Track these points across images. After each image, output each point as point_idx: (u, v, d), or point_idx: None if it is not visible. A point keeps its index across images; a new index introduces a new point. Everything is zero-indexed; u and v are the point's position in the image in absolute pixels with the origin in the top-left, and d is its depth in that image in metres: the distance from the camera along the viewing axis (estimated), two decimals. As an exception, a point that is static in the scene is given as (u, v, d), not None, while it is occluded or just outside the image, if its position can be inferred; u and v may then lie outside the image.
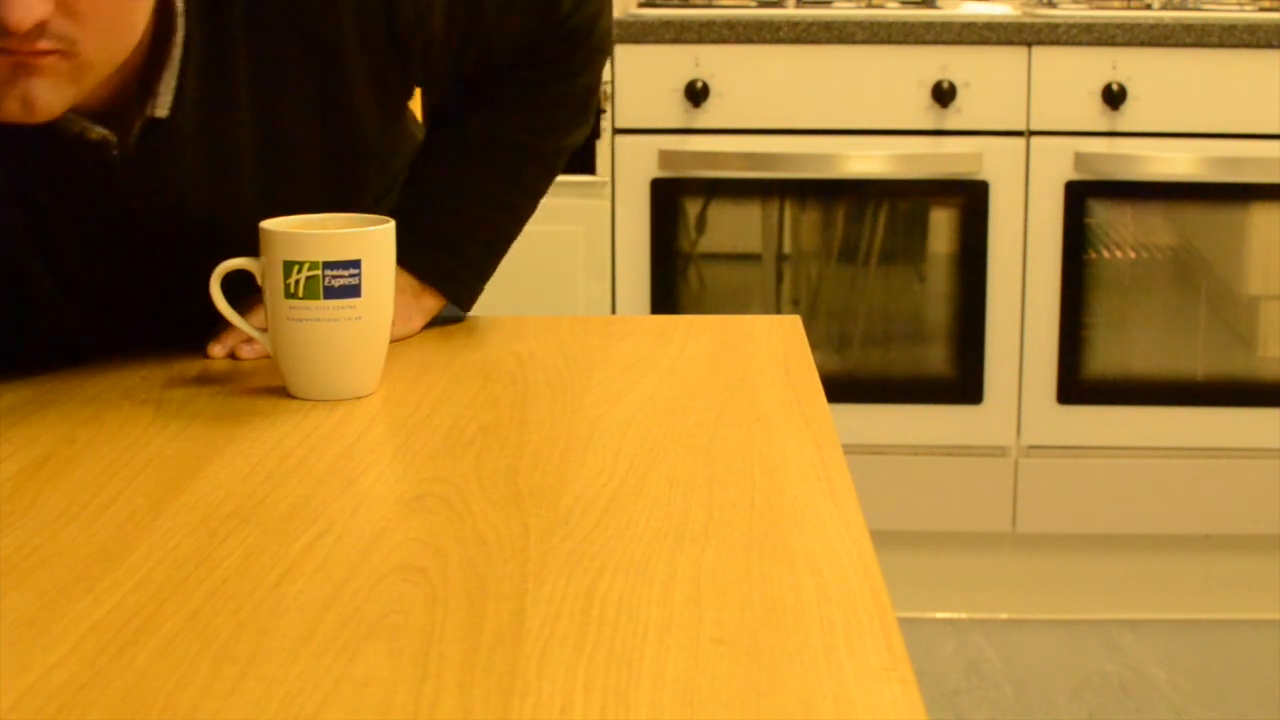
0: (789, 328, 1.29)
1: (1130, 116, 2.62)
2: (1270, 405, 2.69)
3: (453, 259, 1.32)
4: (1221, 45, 2.59)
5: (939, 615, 2.78)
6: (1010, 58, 2.62)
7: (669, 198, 2.69)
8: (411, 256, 1.25)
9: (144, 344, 1.27)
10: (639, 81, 2.65)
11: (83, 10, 1.00)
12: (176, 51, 1.14)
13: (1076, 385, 2.70)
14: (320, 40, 1.22)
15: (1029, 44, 2.61)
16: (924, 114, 2.64)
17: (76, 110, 1.13)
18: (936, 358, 2.75)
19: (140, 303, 1.28)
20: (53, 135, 1.14)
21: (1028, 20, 2.63)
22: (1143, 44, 2.60)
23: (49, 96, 1.03)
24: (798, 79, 2.65)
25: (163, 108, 1.16)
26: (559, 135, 1.37)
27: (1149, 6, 2.82)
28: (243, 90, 1.22)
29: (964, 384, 2.71)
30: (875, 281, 2.76)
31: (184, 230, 1.25)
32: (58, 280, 1.26)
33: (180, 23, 1.14)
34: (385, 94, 1.27)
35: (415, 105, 1.51)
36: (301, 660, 0.68)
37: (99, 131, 1.15)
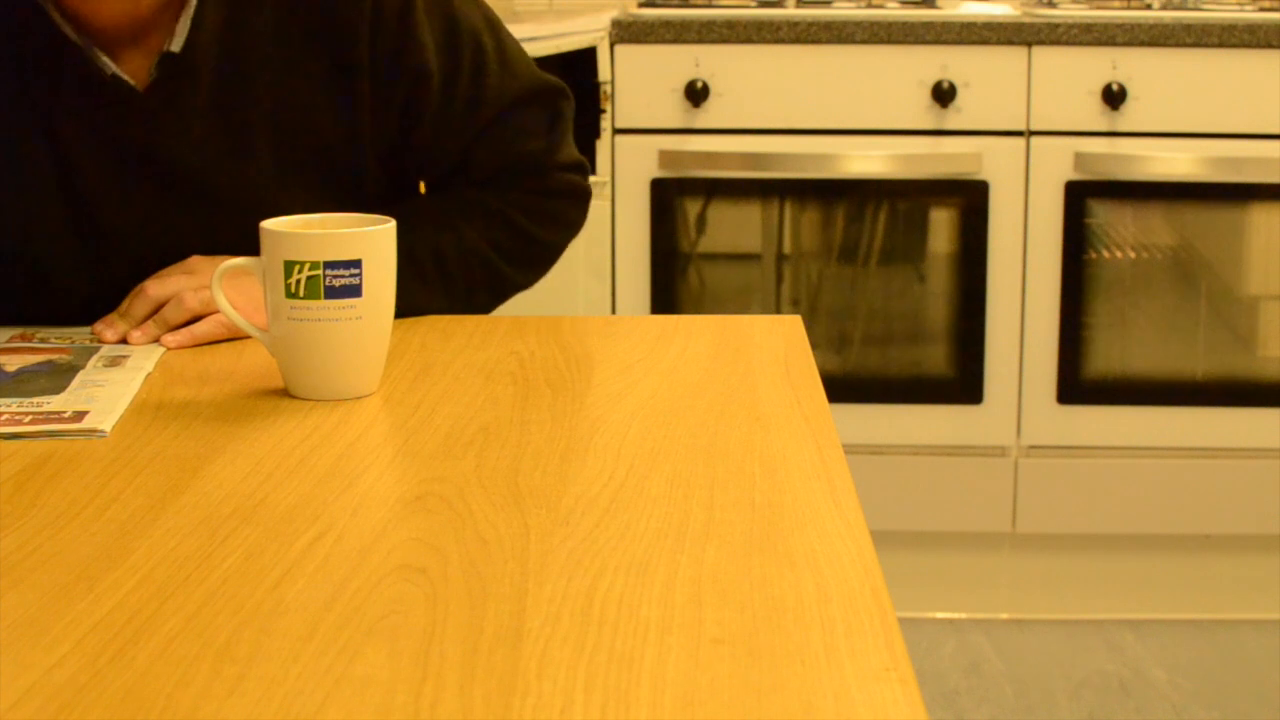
0: (789, 328, 1.29)
1: (1130, 116, 2.62)
2: (1270, 405, 2.69)
3: None
4: (1221, 45, 2.59)
5: (939, 615, 2.78)
6: (1010, 58, 2.62)
7: (669, 198, 2.69)
8: None
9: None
10: (639, 81, 2.65)
11: None
12: None
13: (1076, 385, 2.70)
14: (336, 32, 1.31)
15: (1029, 44, 2.61)
16: (924, 114, 2.64)
17: (101, 48, 1.25)
18: (936, 358, 2.75)
19: (151, 262, 1.30)
20: (75, 70, 1.25)
21: (1028, 20, 2.63)
22: (1143, 44, 2.60)
23: None
24: (798, 79, 2.65)
25: (178, 43, 1.26)
26: (516, 243, 1.41)
27: (1149, 6, 2.82)
28: (261, 41, 1.30)
29: (964, 384, 2.71)
30: (875, 281, 2.76)
31: (198, 188, 1.31)
32: (75, 227, 1.31)
33: None
34: (379, 124, 1.34)
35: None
36: (302, 660, 0.68)
37: (115, 68, 1.25)
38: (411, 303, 1.30)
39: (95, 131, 1.28)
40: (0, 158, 1.29)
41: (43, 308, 1.32)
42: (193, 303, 1.25)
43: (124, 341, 1.24)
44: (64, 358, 1.19)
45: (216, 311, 1.23)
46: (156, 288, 1.25)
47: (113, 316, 1.26)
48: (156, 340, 1.24)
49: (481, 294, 1.40)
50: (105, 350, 1.22)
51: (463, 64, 1.36)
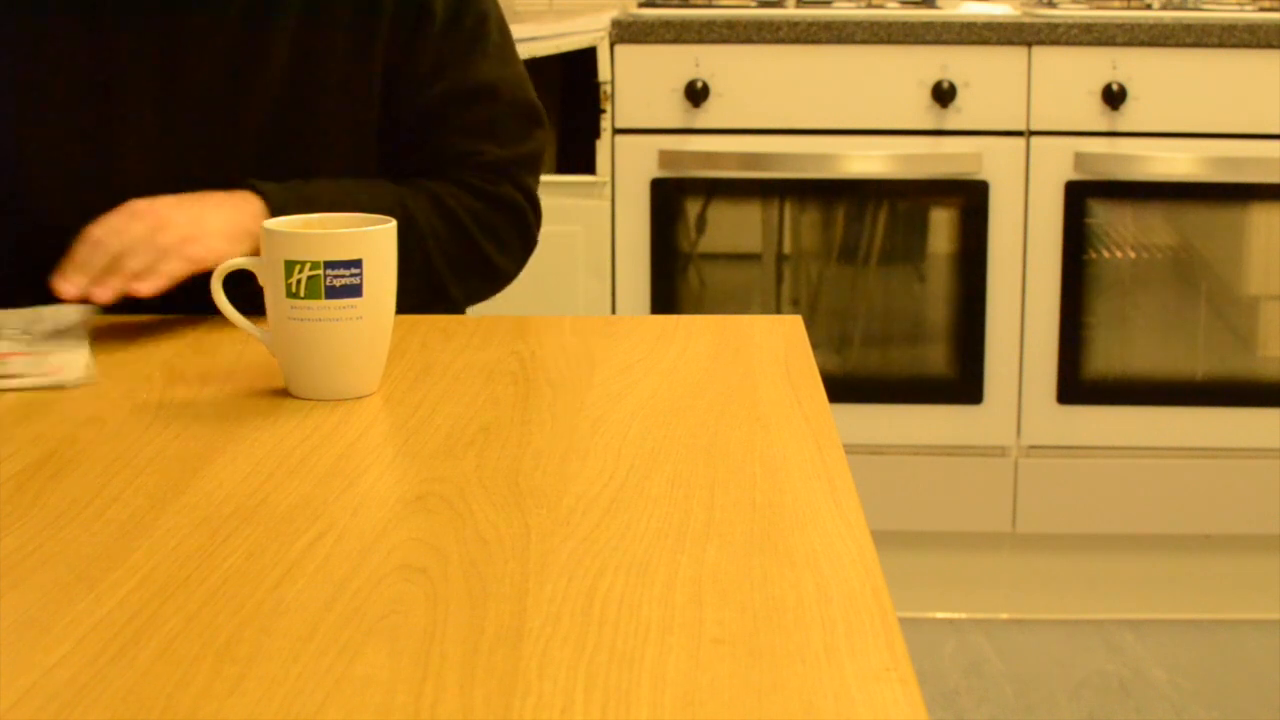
0: (790, 328, 1.29)
1: (1130, 116, 2.62)
2: (1270, 405, 2.69)
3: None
4: (1221, 45, 2.59)
5: (939, 615, 2.78)
6: (1010, 58, 2.62)
7: (669, 198, 2.69)
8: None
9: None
10: (639, 81, 2.65)
11: None
12: None
13: (1076, 385, 2.70)
14: None
15: (1029, 44, 2.61)
16: (924, 114, 2.64)
17: None
18: (936, 358, 2.75)
19: (156, 184, 1.32)
20: None
21: (1028, 20, 2.63)
22: (1143, 44, 2.60)
23: None
24: (798, 79, 2.64)
25: None
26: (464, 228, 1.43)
27: (1149, 6, 2.82)
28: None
29: (964, 384, 2.71)
30: (875, 281, 2.76)
31: (213, 99, 1.35)
32: (94, 132, 1.36)
33: None
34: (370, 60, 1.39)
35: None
36: (302, 660, 0.68)
37: None
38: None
39: (136, 25, 1.33)
40: (39, 50, 1.34)
41: (30, 223, 1.34)
42: (163, 246, 1.22)
43: (84, 301, 1.21)
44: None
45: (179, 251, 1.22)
46: (112, 239, 1.22)
47: (67, 268, 1.22)
48: (124, 294, 1.21)
49: (413, 278, 1.40)
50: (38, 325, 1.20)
51: (464, 19, 1.42)
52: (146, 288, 1.21)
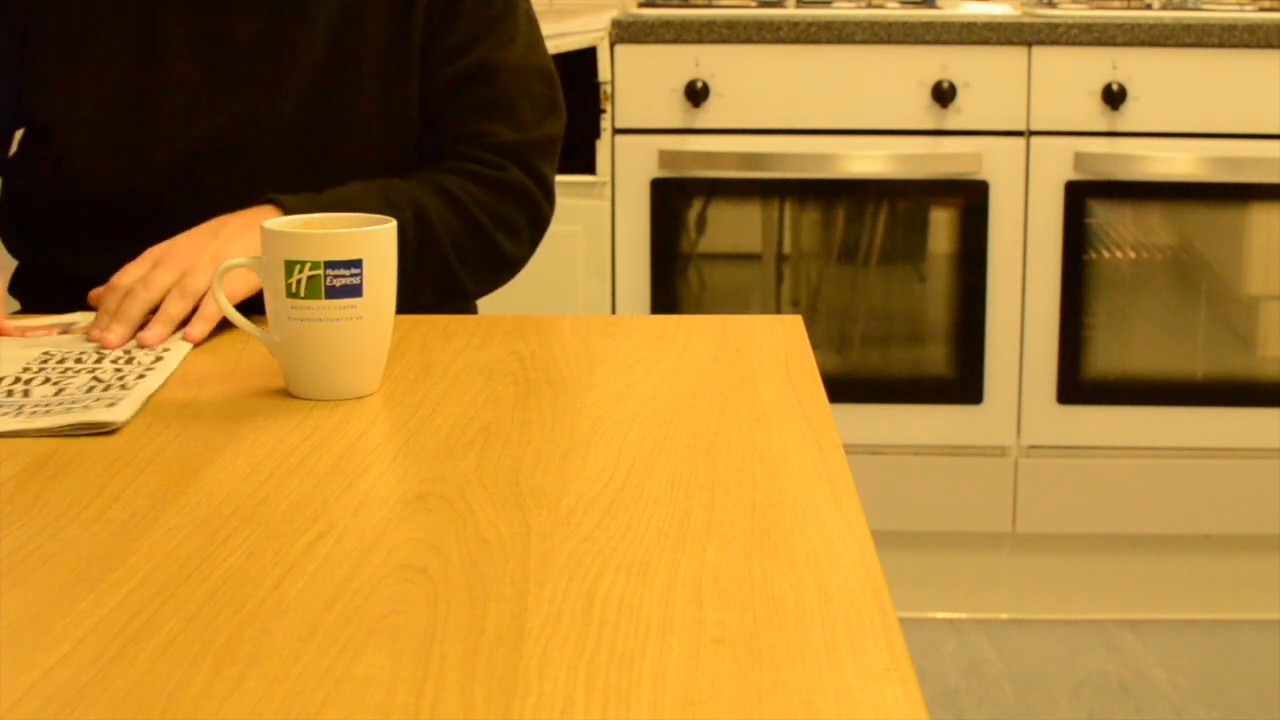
0: (790, 328, 1.29)
1: (1130, 116, 2.62)
2: (1270, 405, 2.69)
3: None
4: (1221, 45, 2.59)
5: (939, 615, 2.78)
6: (1010, 58, 2.62)
7: (669, 198, 2.69)
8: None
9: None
10: (639, 81, 2.65)
11: None
12: None
13: (1076, 385, 2.70)
14: None
15: (1029, 44, 2.61)
16: (924, 114, 2.64)
17: None
18: (936, 358, 2.75)
19: (190, 156, 1.37)
20: None
21: (1028, 20, 2.63)
22: (1143, 44, 2.60)
23: None
24: (798, 79, 2.64)
25: None
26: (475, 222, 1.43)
27: (1149, 6, 2.82)
28: None
29: (964, 384, 2.71)
30: (875, 281, 2.76)
31: (256, 58, 1.38)
32: (139, 98, 1.38)
33: None
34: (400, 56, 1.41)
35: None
36: (303, 660, 0.68)
37: None
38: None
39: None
40: (86, 10, 1.38)
41: (61, 199, 1.36)
42: (194, 290, 1.24)
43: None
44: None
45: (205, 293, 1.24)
46: (142, 290, 1.23)
47: (104, 319, 1.23)
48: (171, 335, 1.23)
49: (431, 278, 1.40)
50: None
51: (494, 5, 1.44)
52: (197, 333, 1.22)
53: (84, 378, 1.13)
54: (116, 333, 1.22)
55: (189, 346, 1.21)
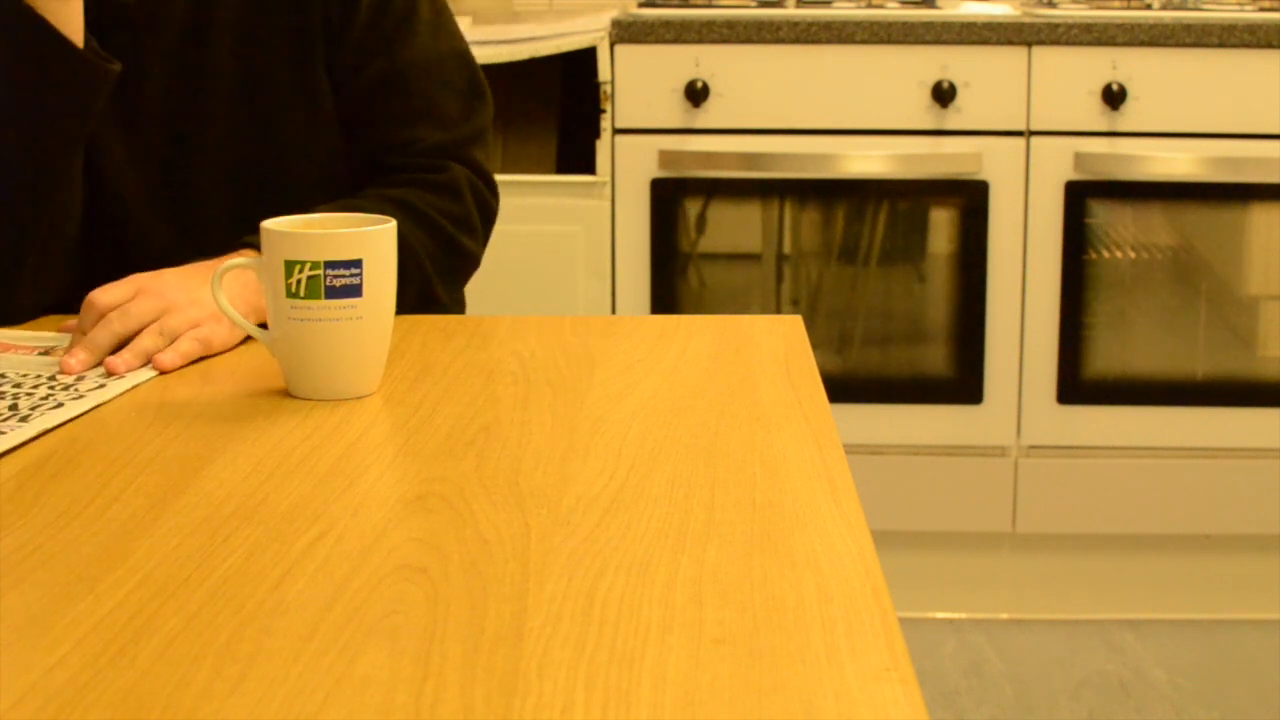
0: (790, 328, 1.29)
1: (1130, 116, 2.62)
2: (1270, 405, 2.69)
3: None
4: (1221, 45, 2.59)
5: (939, 615, 2.78)
6: (1010, 58, 2.62)
7: (669, 198, 2.69)
8: None
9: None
10: (639, 81, 2.65)
11: None
12: None
13: (1076, 385, 2.70)
14: None
15: (1029, 44, 2.61)
16: (924, 114, 2.64)
17: None
18: (936, 358, 2.75)
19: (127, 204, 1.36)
20: None
21: (1028, 20, 2.63)
22: (1143, 44, 2.60)
23: None
24: (798, 79, 2.64)
25: None
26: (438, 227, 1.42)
27: (1149, 6, 2.82)
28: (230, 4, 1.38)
29: (964, 384, 2.71)
30: (875, 281, 2.75)
31: (161, 110, 1.37)
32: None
33: None
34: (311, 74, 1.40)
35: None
36: (303, 660, 0.68)
37: None
38: None
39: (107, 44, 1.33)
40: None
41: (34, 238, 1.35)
42: (171, 329, 1.20)
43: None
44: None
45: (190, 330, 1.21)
46: (118, 320, 1.19)
47: (74, 345, 1.19)
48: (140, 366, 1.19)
49: (411, 293, 1.39)
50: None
51: (393, 6, 1.41)
52: (168, 362, 1.18)
53: (42, 390, 1.12)
54: (80, 359, 1.17)
55: (152, 374, 1.17)
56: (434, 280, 1.40)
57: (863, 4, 2.83)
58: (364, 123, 1.42)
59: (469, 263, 1.46)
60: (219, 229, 1.37)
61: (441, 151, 1.43)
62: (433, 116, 1.43)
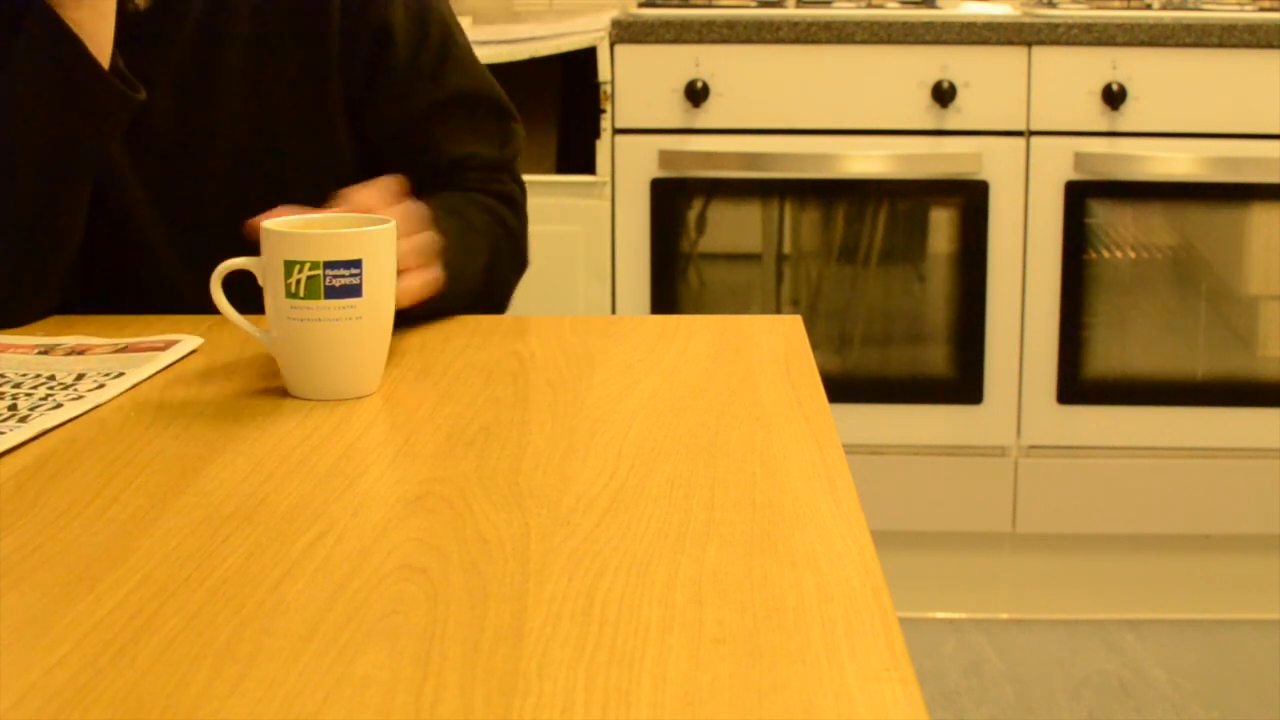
0: (789, 328, 1.29)
1: (1130, 116, 2.62)
2: (1270, 405, 2.69)
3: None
4: (1221, 45, 2.59)
5: (939, 615, 2.78)
6: (1010, 58, 2.62)
7: (669, 198, 2.69)
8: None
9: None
10: (639, 81, 2.65)
11: None
12: None
13: (1076, 385, 2.70)
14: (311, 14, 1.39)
15: (1029, 44, 2.61)
16: (924, 114, 2.64)
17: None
18: (936, 358, 2.75)
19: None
20: None
21: (1028, 20, 2.63)
22: (1143, 44, 2.60)
23: None
24: (798, 79, 2.65)
25: None
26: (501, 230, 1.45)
27: (1149, 6, 2.82)
28: (242, 23, 1.38)
29: (964, 384, 2.71)
30: (875, 281, 2.76)
31: (168, 132, 1.37)
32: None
33: None
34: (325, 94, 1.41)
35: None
36: (302, 660, 0.68)
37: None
38: (461, 273, 1.30)
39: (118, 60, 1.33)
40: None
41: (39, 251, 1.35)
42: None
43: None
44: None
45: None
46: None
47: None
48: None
49: (489, 284, 1.42)
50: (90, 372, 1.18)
51: (430, 36, 1.43)
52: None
53: (42, 390, 1.12)
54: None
55: (149, 371, 1.17)
56: (509, 276, 1.45)
57: (863, 4, 2.83)
58: (416, 146, 1.44)
59: (523, 270, 1.50)
60: (223, 237, 1.37)
61: (494, 167, 1.47)
62: (480, 138, 1.47)
